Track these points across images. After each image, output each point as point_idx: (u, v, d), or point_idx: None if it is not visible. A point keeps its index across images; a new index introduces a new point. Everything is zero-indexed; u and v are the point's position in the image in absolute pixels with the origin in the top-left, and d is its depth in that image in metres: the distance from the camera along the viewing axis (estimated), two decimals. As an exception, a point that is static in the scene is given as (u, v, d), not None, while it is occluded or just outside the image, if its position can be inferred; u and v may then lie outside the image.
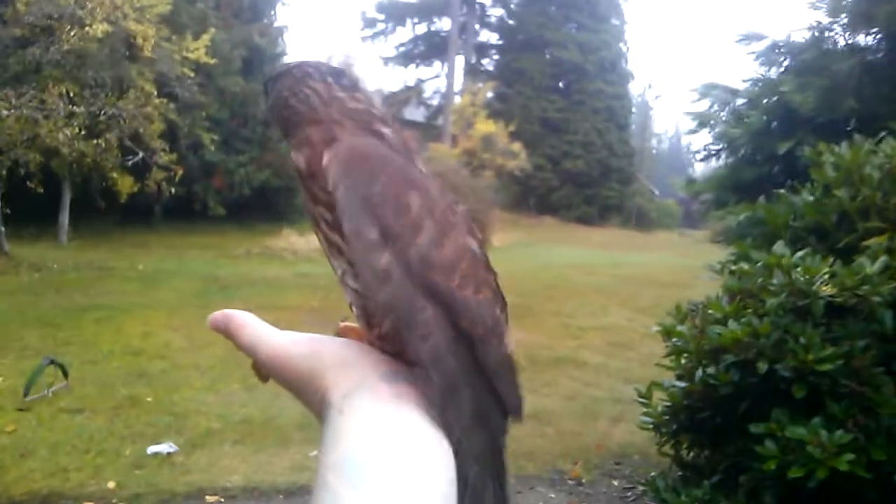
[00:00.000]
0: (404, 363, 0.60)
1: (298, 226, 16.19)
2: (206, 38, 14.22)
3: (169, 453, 4.46)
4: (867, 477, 2.28)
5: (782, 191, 3.30)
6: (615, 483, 4.35)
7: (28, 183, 11.76)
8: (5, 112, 10.62)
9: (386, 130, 0.64)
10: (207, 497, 3.97)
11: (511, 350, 0.63)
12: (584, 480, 4.34)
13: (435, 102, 34.01)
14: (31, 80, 11.94)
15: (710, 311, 2.90)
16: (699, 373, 2.86)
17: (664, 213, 34.73)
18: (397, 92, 33.15)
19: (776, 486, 2.56)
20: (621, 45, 34.17)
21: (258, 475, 4.23)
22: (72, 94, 11.88)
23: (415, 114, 32.21)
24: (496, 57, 35.39)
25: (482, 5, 34.70)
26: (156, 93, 13.38)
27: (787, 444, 2.41)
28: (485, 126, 24.47)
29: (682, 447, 3.22)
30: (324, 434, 0.55)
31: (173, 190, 13.79)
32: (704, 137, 5.56)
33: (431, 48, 34.35)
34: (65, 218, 14.76)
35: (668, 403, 3.11)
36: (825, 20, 4.74)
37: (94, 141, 11.96)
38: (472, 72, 33.57)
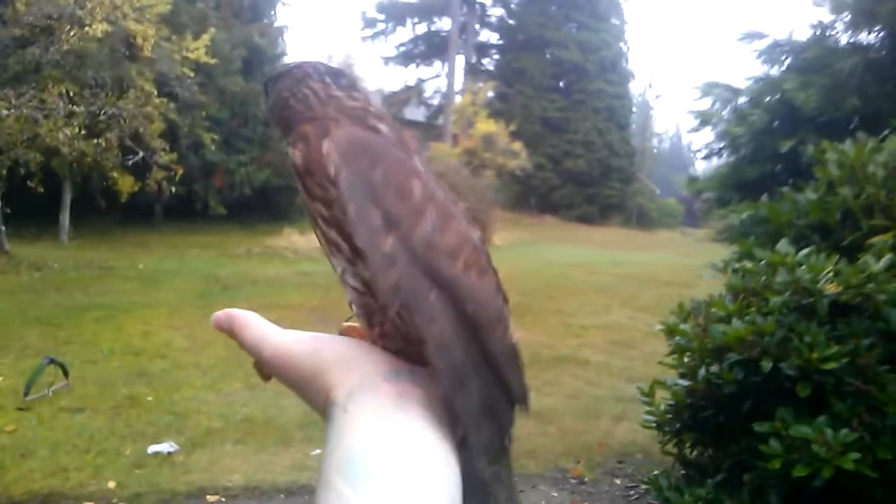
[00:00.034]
0: (407, 361, 0.60)
1: (299, 225, 16.18)
2: (206, 37, 14.21)
3: (169, 453, 4.46)
4: (873, 476, 2.27)
5: (785, 189, 3.29)
6: (618, 482, 4.34)
7: (28, 182, 11.76)
8: (5, 112, 10.61)
9: (382, 126, 0.64)
10: (208, 496, 3.96)
11: (516, 339, 0.63)
12: (586, 479, 4.33)
13: (435, 102, 34.00)
14: (31, 80, 11.93)
15: (713, 310, 2.88)
16: (702, 371, 2.85)
17: (665, 212, 34.70)
18: (398, 92, 33.13)
19: (781, 485, 2.54)
20: (622, 44, 34.15)
21: (259, 474, 4.22)
22: (72, 94, 11.87)
23: (415, 113, 32.19)
24: (496, 56, 35.36)
25: (482, 5, 34.68)
26: (156, 92, 13.37)
27: (792, 443, 2.39)
28: (485, 125, 24.44)
29: (685, 446, 3.20)
30: (328, 433, 0.55)
31: (174, 189, 13.78)
32: (706, 136, 5.55)
33: (432, 48, 34.33)
34: (65, 217, 14.75)
35: (671, 402, 3.09)
36: (827, 18, 4.74)
37: (95, 140, 11.95)
38: (473, 71, 33.55)
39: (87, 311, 8.56)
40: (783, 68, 5.04)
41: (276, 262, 13.59)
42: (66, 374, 5.59)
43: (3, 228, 12.43)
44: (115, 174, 13.21)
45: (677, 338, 3.01)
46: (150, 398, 5.54)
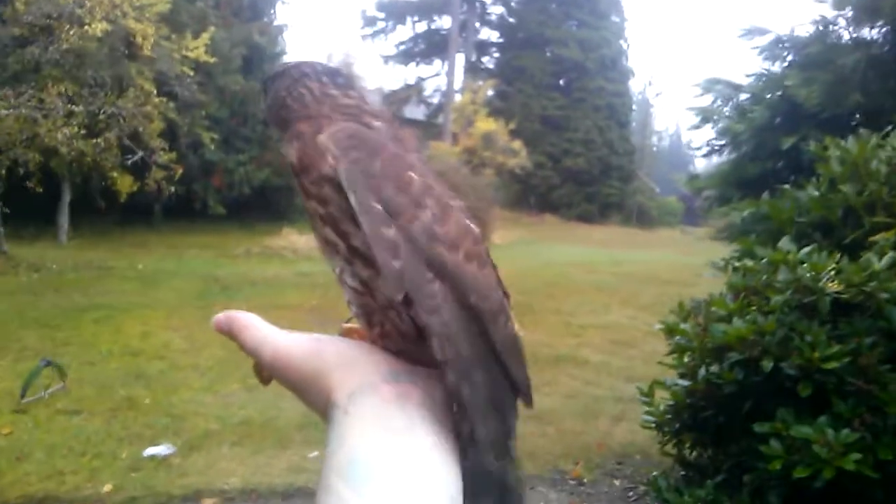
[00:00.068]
0: (407, 361, 0.61)
1: (298, 225, 16.15)
2: (205, 36, 14.17)
3: (166, 455, 4.42)
4: (874, 477, 2.23)
5: (787, 186, 3.25)
6: (617, 483, 4.31)
7: (27, 182, 11.74)
8: (4, 112, 10.59)
9: (377, 123, 0.65)
10: (205, 499, 3.93)
11: (517, 331, 0.64)
12: (585, 480, 4.30)
13: (435, 101, 33.98)
14: (31, 80, 11.91)
15: (713, 309, 2.85)
16: (702, 371, 2.82)
17: (665, 210, 34.67)
18: (398, 90, 33.12)
19: (781, 486, 2.51)
20: (622, 42, 34.10)
21: (256, 477, 4.19)
22: (71, 94, 11.85)
23: (415, 112, 32.16)
24: (496, 55, 35.33)
25: (482, 3, 34.63)
26: (155, 92, 13.34)
27: (793, 444, 2.36)
28: (485, 124, 24.42)
29: (684, 446, 3.17)
30: (329, 435, 0.55)
31: (173, 189, 13.75)
32: (707, 133, 5.53)
33: (432, 46, 34.31)
34: (64, 218, 14.72)
35: (671, 402, 3.06)
36: (830, 14, 4.70)
37: (94, 140, 11.93)
38: (473, 70, 33.51)
39: (86, 312, 8.53)
40: (785, 64, 5.01)
41: (274, 263, 13.56)
42: (62, 376, 5.56)
43: (2, 229, 12.39)
44: (114, 174, 13.18)
45: (677, 337, 2.98)
46: (147, 400, 5.51)
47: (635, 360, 7.19)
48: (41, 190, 12.11)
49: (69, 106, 11.52)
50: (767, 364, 2.44)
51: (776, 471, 2.37)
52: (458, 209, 0.63)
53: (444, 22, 33.85)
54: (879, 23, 4.49)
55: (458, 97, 29.26)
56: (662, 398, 3.11)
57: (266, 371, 0.65)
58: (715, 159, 5.90)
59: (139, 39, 12.61)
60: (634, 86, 41.70)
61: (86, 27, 11.47)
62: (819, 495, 2.34)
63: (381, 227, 0.57)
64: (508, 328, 0.62)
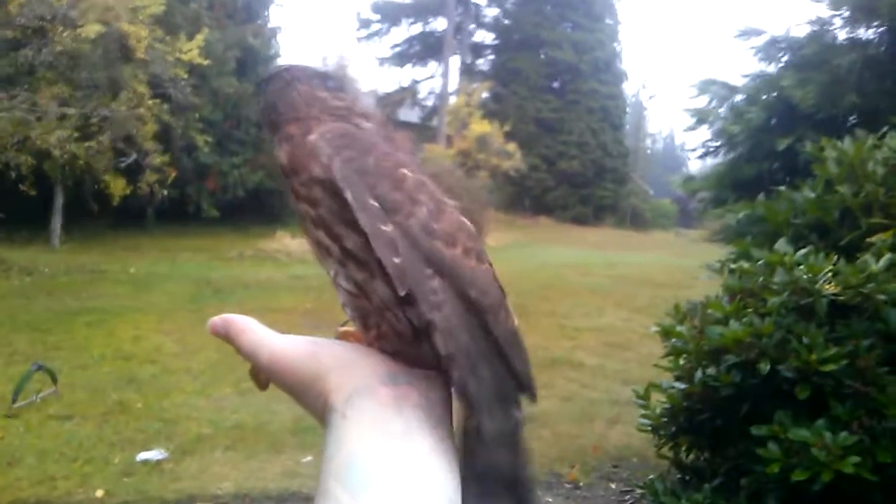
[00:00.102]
0: (404, 363, 0.60)
1: (292, 228, 16.09)
2: (199, 38, 14.13)
3: (159, 460, 4.38)
4: (873, 480, 2.22)
5: (782, 188, 3.24)
6: (613, 486, 4.28)
7: (20, 186, 11.68)
8: (-2, 115, 10.53)
9: (366, 124, 0.66)
10: (197, 504, 3.89)
11: (517, 325, 0.64)
12: (581, 484, 4.27)
13: (430, 103, 33.94)
14: (24, 82, 11.87)
15: (709, 311, 2.83)
16: (699, 374, 2.79)
17: (659, 212, 34.76)
18: (392, 93, 33.08)
19: (779, 489, 2.49)
20: (616, 44, 34.19)
21: (250, 482, 4.15)
22: (64, 96, 11.79)
23: (410, 114, 32.12)
24: (491, 57, 35.34)
25: (477, 5, 34.67)
26: (149, 94, 13.31)
27: (791, 447, 2.34)
28: (480, 126, 24.43)
29: (681, 449, 3.15)
30: (326, 439, 0.55)
31: (166, 192, 13.71)
32: (702, 134, 5.50)
33: (426, 48, 34.31)
34: (57, 221, 14.65)
35: (667, 405, 3.04)
36: (826, 14, 4.69)
37: (87, 143, 11.87)
38: (467, 72, 33.53)
39: (78, 315, 8.48)
40: (780, 65, 5.00)
41: (268, 266, 13.51)
42: (54, 380, 5.51)
43: (-6, 233, 12.34)
44: (107, 177, 13.14)
45: (673, 340, 2.96)
46: (139, 404, 5.47)
47: (630, 363, 7.17)
48: (34, 193, 12.07)
49: (62, 108, 11.46)
50: (764, 366, 2.41)
51: (774, 474, 2.34)
52: (451, 205, 0.63)
53: (439, 24, 33.88)
54: (876, 23, 4.49)
55: (452, 99, 29.29)
56: (658, 401, 3.08)
57: (262, 375, 0.64)
58: (709, 161, 5.90)
59: (133, 42, 12.57)
60: (628, 88, 41.80)
61: (79, 29, 11.42)
62: (817, 498, 2.32)
63: (378, 224, 0.57)
64: (509, 322, 0.62)
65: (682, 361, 2.98)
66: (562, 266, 14.75)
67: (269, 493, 4.03)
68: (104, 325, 8.10)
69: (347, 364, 0.60)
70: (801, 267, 2.52)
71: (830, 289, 2.43)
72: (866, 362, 2.36)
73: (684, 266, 14.17)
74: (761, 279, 2.68)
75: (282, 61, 20.85)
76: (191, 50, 14.00)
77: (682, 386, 2.92)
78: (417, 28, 34.62)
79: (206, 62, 14.37)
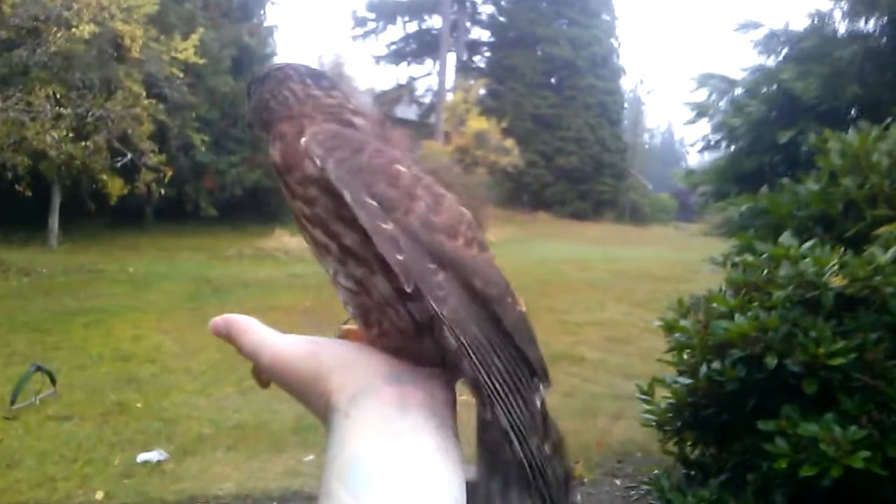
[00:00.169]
0: (407, 360, 0.60)
1: (290, 226, 16.02)
2: (194, 37, 14.05)
3: (159, 461, 4.35)
4: (883, 474, 2.19)
5: (785, 180, 3.21)
6: (618, 482, 4.26)
7: (16, 186, 11.64)
8: (-8, 115, 10.49)
9: (358, 121, 0.66)
10: (199, 505, 3.87)
11: (524, 309, 0.64)
12: (586, 480, 4.26)
13: (427, 100, 33.90)
14: (18, 83, 11.80)
15: (713, 305, 2.80)
16: (703, 369, 2.77)
17: (658, 207, 34.73)
18: (389, 90, 33.03)
19: (787, 485, 2.47)
20: (612, 40, 34.10)
21: (251, 482, 4.13)
22: (59, 96, 11.74)
23: (407, 112, 32.07)
24: (488, 54, 35.27)
25: (473, 3, 34.59)
26: (144, 94, 13.24)
27: (799, 442, 2.31)
28: (477, 123, 24.38)
29: (686, 445, 3.12)
30: (329, 439, 0.55)
31: (163, 191, 13.66)
32: (701, 128, 5.47)
33: (423, 46, 34.24)
34: (54, 221, 14.60)
35: (672, 400, 3.01)
36: (825, 6, 4.66)
37: (82, 143, 11.82)
38: (464, 69, 33.44)
39: (76, 315, 8.44)
40: (780, 58, 4.98)
41: (267, 264, 13.48)
42: (53, 381, 5.48)
43: (-9, 233, 12.30)
44: (104, 177, 13.08)
45: (677, 334, 2.93)
46: (139, 404, 5.44)
47: (632, 357, 7.16)
48: (31, 194, 12.03)
49: (57, 108, 11.41)
50: (771, 361, 2.39)
51: (782, 469, 2.32)
52: (448, 195, 0.63)
53: (435, 21, 33.79)
54: (876, 15, 4.46)
55: (449, 96, 29.24)
56: (663, 396, 3.05)
57: (264, 374, 0.64)
58: (707, 156, 5.89)
59: (127, 41, 12.49)
60: (626, 83, 41.61)
61: (73, 29, 11.34)
62: (825, 493, 2.29)
63: (378, 223, 0.57)
64: (517, 309, 0.63)
65: (685, 356, 2.95)
66: (561, 261, 14.73)
67: (270, 493, 4.01)
68: (103, 325, 8.07)
69: (349, 364, 0.59)
70: (807, 260, 2.50)
71: (837, 281, 2.40)
72: (874, 355, 2.33)
73: (684, 260, 14.16)
74: (766, 272, 2.66)
75: (278, 60, 20.84)
76: (186, 49, 13.93)
77: (686, 381, 2.90)
78: (413, 26, 34.57)
79: (201, 61, 14.30)
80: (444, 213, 0.61)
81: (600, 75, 32.16)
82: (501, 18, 34.12)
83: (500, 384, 0.57)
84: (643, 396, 3.15)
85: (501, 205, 25.29)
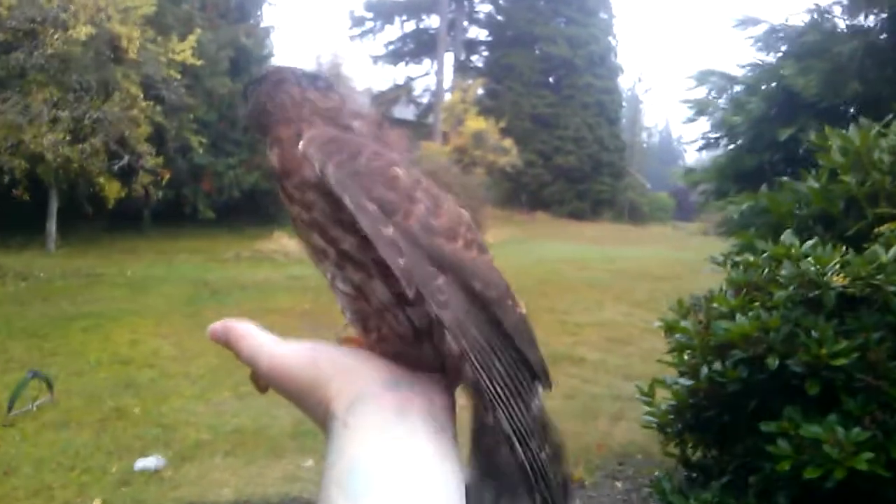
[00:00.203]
0: (406, 365, 0.60)
1: (289, 228, 15.96)
2: (192, 39, 14.00)
3: (157, 468, 4.32)
4: (886, 476, 2.16)
5: (786, 178, 3.18)
6: (619, 485, 4.23)
7: (13, 190, 11.59)
8: (-11, 118, 10.46)
9: (356, 124, 0.66)
10: (197, 511, 3.84)
11: (524, 311, 0.64)
12: (586, 483, 4.22)
13: (425, 100, 33.89)
14: (15, 86, 11.76)
15: (714, 305, 2.78)
16: (704, 370, 2.74)
17: (657, 206, 34.72)
18: (387, 90, 33.02)
19: (790, 487, 2.44)
20: (610, 39, 34.10)
21: (249, 487, 4.10)
22: (56, 99, 11.71)
23: (405, 112, 32.05)
24: (485, 53, 35.28)
25: (470, 2, 34.56)
26: (142, 95, 13.20)
27: (802, 444, 2.29)
28: (475, 123, 24.36)
29: (687, 447, 3.10)
30: (328, 447, 0.55)
31: (160, 194, 13.63)
32: (701, 126, 5.44)
33: (420, 46, 34.22)
34: (52, 225, 14.55)
35: (673, 402, 2.98)
36: (825, 2, 4.63)
37: (80, 146, 11.78)
38: (462, 69, 33.43)
39: (74, 320, 8.40)
40: (779, 55, 4.95)
41: (265, 266, 13.44)
42: (50, 387, 5.45)
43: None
44: (101, 180, 13.03)
45: (677, 335, 2.90)
46: (137, 410, 5.41)
47: (632, 358, 7.12)
48: (28, 198, 12.00)
49: (54, 111, 11.38)
50: (773, 362, 2.36)
51: (785, 472, 2.29)
52: (447, 197, 0.63)
53: (433, 21, 33.78)
54: (876, 10, 4.43)
55: (447, 96, 29.20)
56: (663, 397, 3.03)
57: (263, 380, 0.64)
58: (705, 154, 5.87)
59: (124, 43, 12.45)
60: (623, 82, 41.65)
61: (70, 31, 11.31)
62: (829, 495, 2.26)
63: (379, 227, 0.56)
64: (517, 311, 0.63)
65: (686, 357, 2.92)
66: (560, 261, 14.71)
67: (269, 498, 3.98)
68: (101, 329, 8.03)
69: (348, 370, 0.59)
70: (809, 259, 2.47)
71: (839, 281, 2.37)
72: (877, 356, 2.30)
73: (683, 259, 14.15)
74: (767, 272, 2.63)
75: (275, 61, 20.83)
76: (183, 50, 13.88)
77: (687, 382, 2.87)
78: (411, 25, 34.56)
79: (199, 62, 14.25)
80: (444, 215, 0.60)
81: (598, 74, 32.16)
82: (499, 17, 34.13)
83: (501, 387, 0.57)
84: (644, 398, 3.12)
85: (500, 205, 25.28)
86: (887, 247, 2.41)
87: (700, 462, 3.09)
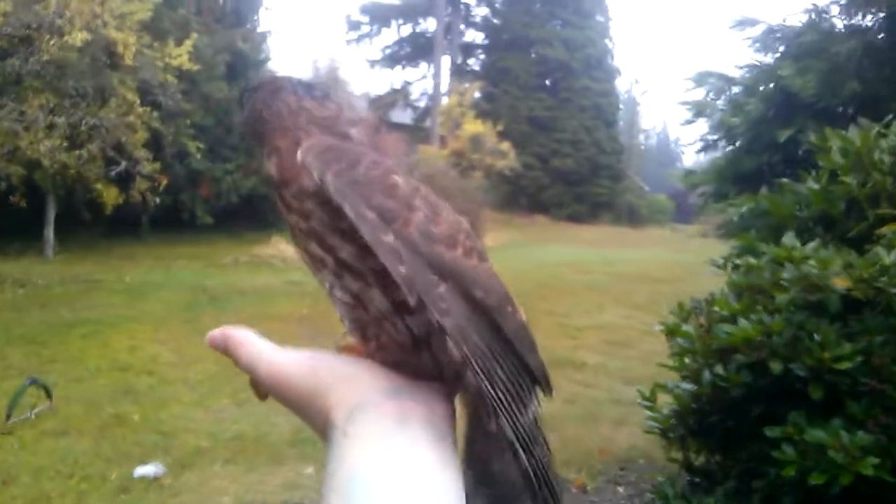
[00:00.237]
0: (406, 374, 0.60)
1: (287, 233, 15.92)
2: (188, 44, 13.98)
3: (156, 476, 4.29)
4: (891, 481, 2.14)
5: (785, 180, 3.17)
6: (621, 490, 4.21)
7: (11, 197, 11.57)
8: (-15, 125, 10.43)
9: (353, 132, 0.66)
10: (196, 520, 3.81)
11: (524, 318, 0.64)
12: (588, 488, 4.20)
13: (422, 104, 33.86)
14: (11, 92, 11.73)
15: (715, 309, 2.76)
16: (707, 374, 2.72)
17: (655, 208, 34.72)
18: (384, 95, 33.02)
19: (794, 492, 2.42)
20: (606, 41, 34.15)
21: (250, 495, 4.07)
22: (52, 105, 11.68)
23: (402, 116, 32.04)
24: (482, 57, 35.31)
25: (467, 5, 34.62)
26: (138, 101, 13.17)
27: (806, 449, 2.26)
28: (473, 126, 24.37)
29: (690, 452, 3.08)
30: (328, 456, 0.54)
31: (158, 200, 13.60)
32: (699, 128, 5.43)
33: (417, 49, 34.23)
34: (50, 232, 14.52)
35: (675, 407, 2.96)
36: (822, 2, 4.62)
37: (76, 152, 11.76)
38: (459, 72, 33.46)
39: (73, 327, 8.37)
40: (777, 55, 4.94)
41: (264, 272, 13.41)
42: (49, 395, 5.42)
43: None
44: (98, 186, 13.01)
45: (679, 339, 2.88)
46: (136, 417, 5.38)
47: (633, 361, 7.11)
48: (25, 204, 11.95)
49: (50, 117, 11.35)
50: (777, 366, 2.34)
51: (790, 477, 2.27)
52: (445, 205, 0.63)
53: (429, 25, 33.81)
54: (873, 9, 4.42)
55: (444, 100, 29.19)
56: (665, 402, 3.01)
57: (262, 387, 0.63)
58: (703, 156, 5.86)
59: (120, 48, 12.42)
60: (620, 84, 41.64)
61: (66, 37, 11.28)
62: (835, 500, 2.24)
63: (379, 235, 0.56)
64: (517, 318, 0.63)
65: (687, 361, 2.90)
66: (559, 264, 14.69)
67: (269, 506, 3.95)
68: (99, 336, 8.00)
69: (348, 379, 0.59)
70: (811, 261, 2.45)
71: (842, 283, 2.36)
72: (881, 359, 2.28)
73: (681, 261, 14.15)
74: (768, 274, 2.61)
75: (272, 65, 20.81)
76: (180, 55, 13.85)
77: (689, 387, 2.85)
78: (407, 29, 34.57)
79: (195, 67, 14.21)
80: (443, 223, 0.60)
81: (595, 77, 32.20)
82: (495, 21, 34.15)
83: (503, 394, 0.57)
84: (645, 402, 3.10)
85: (499, 208, 25.25)
86: (889, 249, 2.39)
87: (703, 467, 3.07)
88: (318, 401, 0.58)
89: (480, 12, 35.14)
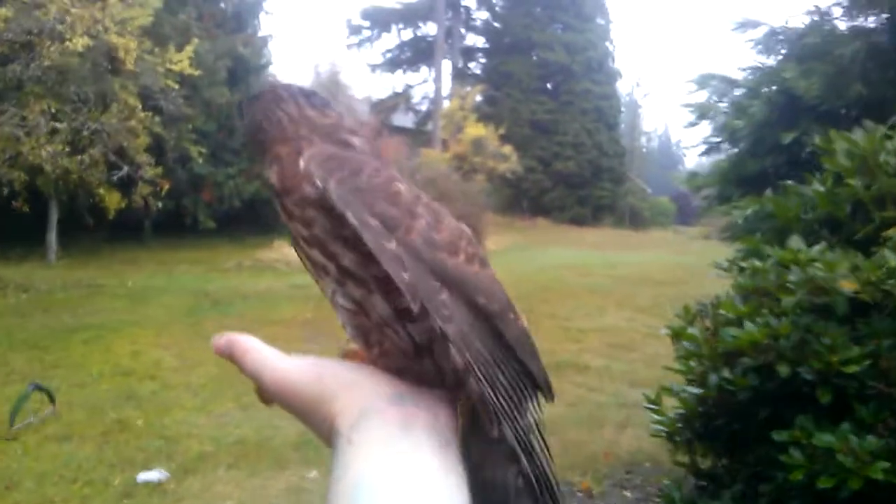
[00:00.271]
0: (409, 380, 0.60)
1: (289, 237, 15.96)
2: (189, 49, 14.00)
3: (160, 481, 4.28)
4: (900, 485, 2.13)
5: (790, 182, 3.16)
6: (627, 494, 4.19)
7: (13, 202, 11.58)
8: (-13, 131, 10.45)
9: (355, 140, 0.66)
10: (200, 525, 3.80)
11: (525, 324, 0.65)
12: (594, 492, 4.18)
13: (424, 108, 33.90)
14: (13, 98, 11.76)
15: (721, 312, 2.74)
16: (713, 377, 2.70)
17: (657, 211, 34.70)
18: (385, 99, 33.06)
19: (802, 497, 2.40)
20: (607, 44, 34.15)
21: (253, 500, 4.07)
22: (53, 111, 11.70)
23: (404, 120, 32.08)
24: (483, 60, 35.34)
25: (467, 9, 34.66)
26: (140, 106, 13.19)
27: (814, 453, 2.25)
28: (474, 130, 24.38)
29: (696, 455, 3.06)
30: (333, 463, 0.54)
31: (160, 204, 13.61)
32: (702, 130, 5.42)
33: (418, 53, 34.26)
34: (52, 236, 14.54)
35: (681, 410, 2.95)
36: (825, 3, 4.60)
37: (78, 157, 11.77)
38: (460, 76, 33.48)
39: (76, 332, 8.37)
40: (780, 57, 4.93)
41: (267, 276, 13.40)
42: (52, 400, 5.41)
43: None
44: (101, 191, 13.02)
45: (684, 342, 2.87)
46: (139, 422, 5.37)
47: (637, 364, 7.08)
48: (28, 209, 11.97)
49: (52, 123, 11.37)
50: (784, 369, 2.33)
51: (798, 481, 2.25)
52: (447, 212, 0.63)
53: (430, 29, 33.83)
54: (877, 10, 4.40)
55: (446, 104, 29.21)
56: (671, 405, 2.99)
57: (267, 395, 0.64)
58: (705, 159, 5.84)
59: (122, 54, 12.44)
60: (622, 87, 41.73)
61: (67, 43, 11.31)
62: (842, 504, 2.23)
63: (382, 242, 0.56)
64: (518, 324, 0.63)
65: (693, 364, 2.89)
66: (562, 267, 14.67)
67: (273, 511, 3.94)
68: (102, 341, 7.99)
69: (352, 386, 0.59)
70: (818, 264, 2.44)
71: (849, 286, 2.34)
72: (889, 362, 2.27)
73: (684, 264, 14.13)
74: (774, 277, 2.60)
75: (273, 70, 20.83)
76: (181, 61, 13.87)
77: (695, 390, 2.83)
78: (408, 33, 34.59)
79: (196, 73, 14.24)
80: (445, 230, 0.61)
81: (596, 80, 32.20)
82: (496, 24, 34.18)
83: (505, 400, 0.58)
84: (651, 406, 3.09)
85: (501, 211, 25.26)
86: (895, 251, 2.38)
87: (710, 471, 3.05)
88: (323, 407, 0.58)
89: (481, 16, 35.21)
